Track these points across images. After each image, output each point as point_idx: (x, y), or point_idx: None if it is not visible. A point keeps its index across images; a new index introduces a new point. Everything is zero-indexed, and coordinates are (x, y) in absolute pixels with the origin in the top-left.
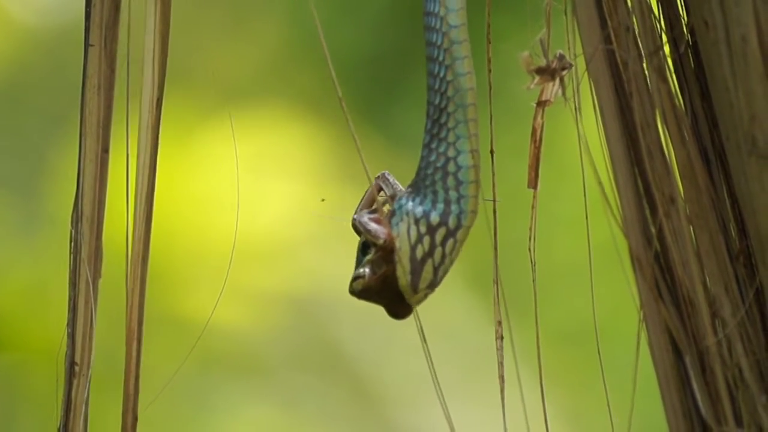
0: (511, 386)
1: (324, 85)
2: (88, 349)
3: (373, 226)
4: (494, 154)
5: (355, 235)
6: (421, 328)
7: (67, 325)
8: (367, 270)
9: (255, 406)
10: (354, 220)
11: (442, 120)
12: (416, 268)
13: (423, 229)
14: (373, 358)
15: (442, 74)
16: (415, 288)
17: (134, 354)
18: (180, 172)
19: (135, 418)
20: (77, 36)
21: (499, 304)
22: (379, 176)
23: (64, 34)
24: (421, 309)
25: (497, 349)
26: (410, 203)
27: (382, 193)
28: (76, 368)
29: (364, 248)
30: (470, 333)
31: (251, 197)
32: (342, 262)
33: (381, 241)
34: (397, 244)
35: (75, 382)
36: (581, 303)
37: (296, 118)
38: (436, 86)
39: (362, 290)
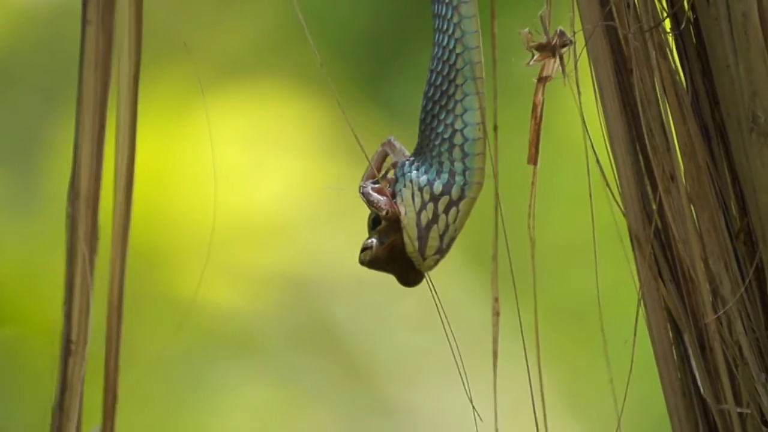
0: (511, 362)
1: (321, 58)
2: (84, 327)
3: (375, 196)
4: (498, 130)
5: (354, 212)
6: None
7: (64, 303)
8: (374, 240)
9: (250, 385)
10: (361, 191)
11: (450, 91)
12: (422, 234)
13: (426, 197)
14: (367, 335)
15: (451, 45)
16: (422, 254)
17: (114, 332)
18: (176, 148)
19: (115, 398)
20: (73, 13)
21: (496, 280)
22: (385, 142)
23: (59, 12)
24: (419, 286)
25: (493, 325)
26: (414, 171)
27: (389, 158)
28: (72, 346)
29: (374, 222)
30: (470, 310)
31: (248, 174)
32: (338, 240)
33: (384, 212)
34: (402, 210)
35: (71, 360)
36: (579, 280)
37: (294, 94)
38: (445, 57)
39: (371, 260)
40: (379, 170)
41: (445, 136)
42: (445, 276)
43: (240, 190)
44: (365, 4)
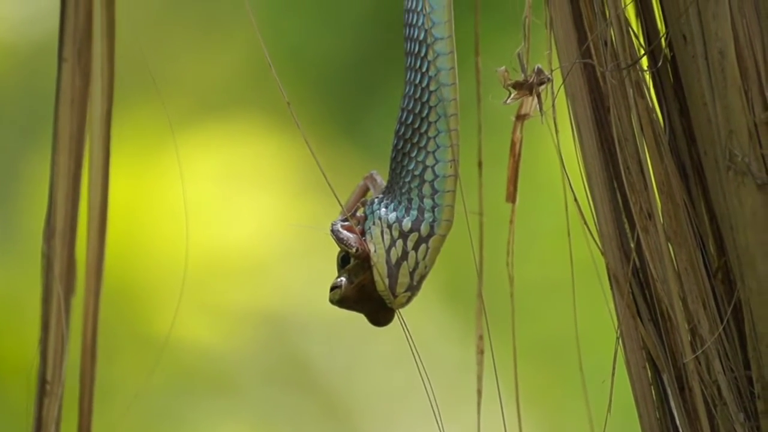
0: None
1: (296, 95)
2: (59, 367)
3: (345, 234)
4: (482, 166)
5: (328, 249)
6: (412, 340)
7: (40, 342)
8: (343, 279)
9: (227, 423)
10: (331, 229)
11: (423, 129)
12: (392, 272)
13: (395, 234)
14: (343, 373)
15: (424, 83)
16: (393, 292)
17: (88, 372)
18: (149, 185)
19: None
20: (51, 50)
21: (480, 317)
22: (367, 176)
23: (38, 49)
24: (394, 323)
25: (477, 363)
26: (383, 209)
27: (369, 193)
28: (48, 386)
29: (343, 261)
30: (445, 348)
31: (222, 211)
32: (313, 277)
33: (353, 249)
34: (372, 248)
35: (46, 400)
36: (556, 319)
37: (268, 130)
38: (417, 95)
39: (340, 299)
40: (359, 200)
41: (416, 172)
42: (420, 313)
43: (214, 227)
44: (344, 41)
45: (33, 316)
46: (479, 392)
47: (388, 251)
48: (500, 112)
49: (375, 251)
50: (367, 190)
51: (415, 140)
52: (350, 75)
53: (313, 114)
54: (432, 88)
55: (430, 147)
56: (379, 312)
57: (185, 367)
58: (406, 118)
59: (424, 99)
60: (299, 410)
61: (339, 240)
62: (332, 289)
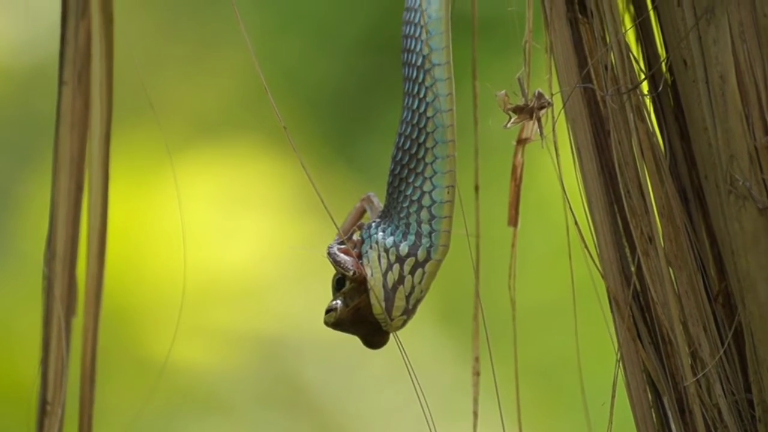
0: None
1: (292, 118)
2: (59, 387)
3: (342, 257)
4: (479, 190)
5: (324, 272)
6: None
7: (40, 363)
8: (339, 302)
9: None
10: (328, 252)
11: (420, 154)
12: (388, 295)
13: (392, 258)
14: (338, 395)
15: (422, 109)
16: (389, 315)
17: (88, 393)
18: (146, 208)
19: None
20: (49, 74)
21: (477, 339)
22: (364, 198)
23: (36, 72)
24: (389, 346)
25: (473, 385)
26: (380, 233)
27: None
28: (48, 407)
29: (338, 284)
30: (439, 369)
31: (218, 234)
32: (308, 300)
33: (350, 272)
34: (369, 272)
35: (47, 421)
36: (554, 342)
37: (265, 152)
38: (415, 120)
39: (335, 322)
40: (356, 223)
41: (414, 198)
42: (414, 335)
43: (210, 250)
44: (339, 64)
45: (27, 337)
46: (475, 414)
47: (384, 275)
48: (497, 135)
49: (372, 275)
50: (363, 211)
51: (412, 166)
52: (345, 98)
53: (308, 136)
54: (429, 114)
55: (428, 173)
56: (374, 335)
57: (180, 389)
58: (404, 144)
59: (422, 125)
60: (293, 431)
61: (336, 263)
62: (328, 311)
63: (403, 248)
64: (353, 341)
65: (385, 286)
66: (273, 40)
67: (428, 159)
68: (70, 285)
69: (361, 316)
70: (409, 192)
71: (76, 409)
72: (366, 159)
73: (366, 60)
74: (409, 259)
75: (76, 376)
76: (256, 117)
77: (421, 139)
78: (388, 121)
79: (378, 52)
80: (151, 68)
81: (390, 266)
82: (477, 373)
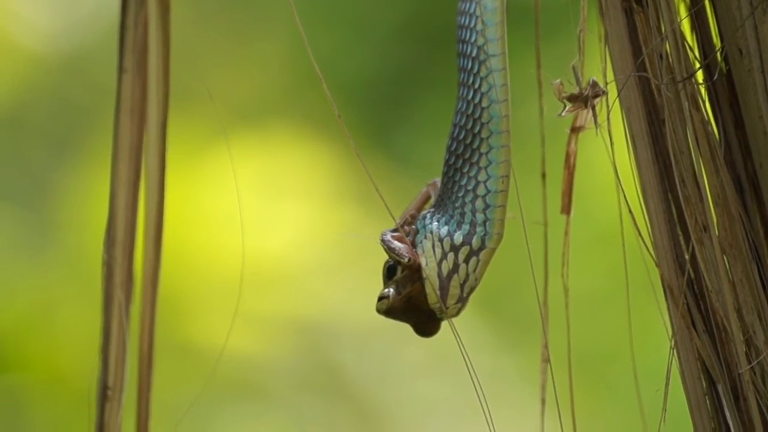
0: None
1: (329, 107)
2: (120, 373)
3: (396, 244)
4: (546, 177)
5: (363, 259)
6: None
7: (101, 349)
8: (391, 290)
9: (260, 429)
10: (381, 239)
11: (475, 144)
12: (443, 284)
13: (447, 247)
14: (375, 381)
15: (477, 100)
16: (444, 304)
17: (146, 379)
18: (188, 195)
19: None
20: (81, 62)
21: (547, 327)
22: (430, 183)
23: (68, 61)
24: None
25: (541, 372)
26: (435, 223)
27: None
28: (109, 392)
29: (389, 272)
30: (477, 357)
31: (259, 221)
32: (347, 287)
33: (405, 260)
34: (423, 261)
35: (108, 406)
36: (600, 329)
37: (303, 140)
38: (470, 111)
39: (387, 310)
40: (420, 208)
41: (469, 187)
42: (452, 322)
43: (251, 237)
44: (373, 52)
45: (64, 323)
46: (542, 401)
47: (439, 264)
48: (533, 121)
49: (426, 264)
50: (429, 197)
51: (467, 156)
52: (381, 87)
53: (346, 125)
54: (484, 104)
55: (482, 163)
56: (426, 323)
57: (221, 375)
58: (459, 134)
59: (477, 115)
60: (332, 417)
61: (390, 250)
62: (380, 299)
63: (458, 237)
64: (390, 328)
65: (440, 275)
66: (310, 30)
67: (483, 149)
68: (129, 271)
69: (413, 304)
70: (464, 182)
71: (132, 394)
72: (402, 148)
73: (402, 49)
74: (463, 248)
75: (131, 362)
76: (292, 105)
77: (476, 130)
78: (424, 110)
79: (414, 42)
80: (188, 58)
81: (444, 255)
82: (546, 360)
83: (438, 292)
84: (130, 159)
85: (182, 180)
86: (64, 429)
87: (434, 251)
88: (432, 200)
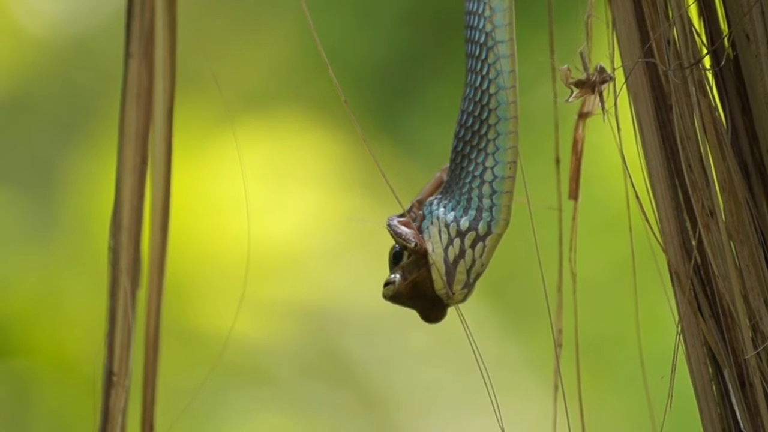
0: (518, 395)
1: (335, 93)
2: (125, 358)
3: (403, 229)
4: (560, 163)
5: (368, 245)
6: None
7: (106, 334)
8: (397, 276)
9: (266, 416)
10: (388, 224)
11: (482, 131)
12: (450, 270)
13: (453, 233)
14: (381, 366)
15: (484, 86)
16: (451, 290)
17: (152, 364)
18: (194, 181)
19: (151, 428)
20: (86, 47)
21: (560, 312)
22: (444, 168)
23: (73, 46)
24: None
25: (556, 356)
26: (441, 209)
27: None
28: (114, 378)
29: (395, 257)
30: (482, 343)
31: (264, 206)
32: (352, 273)
33: (412, 245)
34: (430, 247)
35: (113, 391)
36: (606, 314)
37: (309, 126)
38: (477, 97)
39: (393, 296)
40: (433, 192)
41: (475, 173)
42: (458, 309)
43: (257, 222)
44: (381, 38)
45: (71, 308)
46: (556, 386)
47: (445, 250)
48: (538, 106)
49: (433, 250)
50: (441, 182)
51: (475, 142)
52: (387, 73)
53: (352, 111)
54: (492, 90)
55: (490, 149)
56: (432, 309)
57: (226, 360)
58: (466, 121)
59: (484, 102)
60: (336, 402)
61: (396, 234)
62: (386, 284)
63: (464, 223)
64: (395, 314)
65: (446, 260)
66: (316, 15)
67: (491, 135)
68: (135, 257)
69: (419, 290)
70: (471, 167)
71: (138, 380)
72: (408, 133)
73: (408, 35)
74: (469, 233)
75: (137, 348)
76: (301, 92)
77: (484, 116)
78: (430, 96)
79: (420, 27)
80: (194, 43)
81: (451, 241)
82: (560, 345)
83: (444, 278)
84: (137, 144)
85: (189, 166)
86: (70, 414)
87: (440, 237)
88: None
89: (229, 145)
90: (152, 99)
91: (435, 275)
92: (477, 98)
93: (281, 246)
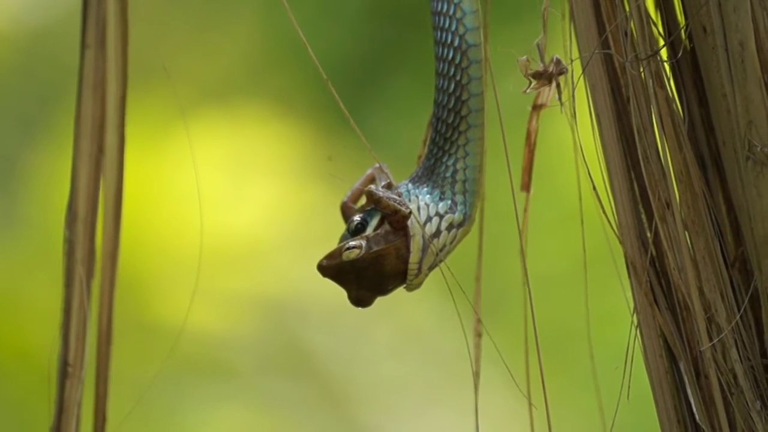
0: (487, 392)
1: (298, 84)
2: (80, 349)
3: (392, 194)
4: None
5: (330, 237)
6: None
7: (61, 325)
8: (364, 243)
9: (226, 410)
10: (372, 191)
11: (453, 137)
12: (426, 245)
13: (432, 212)
14: (343, 361)
15: (457, 93)
16: (419, 266)
17: (105, 355)
18: (152, 173)
19: (104, 419)
20: (46, 40)
21: (479, 301)
22: (376, 167)
23: (36, 37)
24: (394, 314)
25: (475, 346)
26: (422, 189)
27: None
28: (69, 369)
29: (357, 230)
30: (444, 338)
31: (224, 199)
32: (313, 266)
33: (406, 210)
34: (409, 222)
35: (68, 382)
36: (564, 309)
37: (270, 118)
38: (451, 104)
39: (354, 260)
40: (361, 194)
41: (447, 174)
42: (420, 304)
43: (216, 215)
44: (343, 32)
45: (34, 301)
46: (476, 374)
47: (424, 225)
48: (507, 101)
49: (412, 223)
50: (373, 179)
51: (446, 148)
52: (350, 66)
53: (314, 104)
54: (464, 97)
55: (460, 154)
56: (366, 292)
57: (185, 354)
58: (440, 127)
59: (457, 109)
60: (298, 397)
61: (388, 199)
62: (349, 248)
63: (443, 206)
64: (359, 309)
65: (423, 235)
66: (279, 8)
67: (461, 141)
68: (90, 247)
69: (377, 264)
70: (441, 170)
71: (92, 371)
72: (371, 127)
73: (371, 28)
74: (447, 216)
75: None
76: (261, 84)
77: (456, 123)
78: (393, 90)
79: (383, 21)
80: (156, 35)
81: (429, 218)
82: (479, 335)
83: (419, 254)
84: (92, 135)
85: (147, 158)
86: (27, 405)
87: (419, 213)
88: (378, 183)
89: (193, 136)
90: (106, 90)
91: (413, 247)
92: (450, 105)
93: (241, 238)
